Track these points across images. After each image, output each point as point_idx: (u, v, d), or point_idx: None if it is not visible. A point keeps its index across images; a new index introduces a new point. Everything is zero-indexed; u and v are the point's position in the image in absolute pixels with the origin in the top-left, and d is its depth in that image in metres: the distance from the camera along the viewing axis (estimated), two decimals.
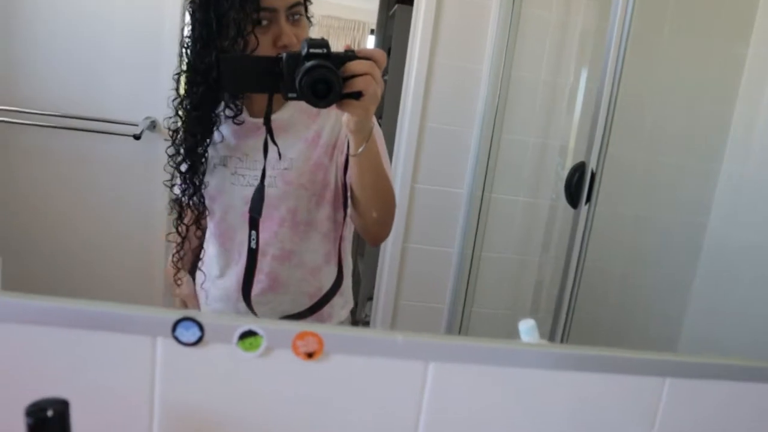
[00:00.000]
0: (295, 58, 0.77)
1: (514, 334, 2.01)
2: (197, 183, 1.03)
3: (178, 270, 1.13)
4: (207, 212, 1.09)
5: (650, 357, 0.66)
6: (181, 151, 1.02)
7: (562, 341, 1.38)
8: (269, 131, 0.92)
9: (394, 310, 1.91)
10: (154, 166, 1.16)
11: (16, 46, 1.69)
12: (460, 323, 1.92)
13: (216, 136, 1.03)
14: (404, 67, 1.79)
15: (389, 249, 1.86)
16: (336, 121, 1.01)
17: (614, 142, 1.28)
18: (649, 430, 0.68)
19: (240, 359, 0.62)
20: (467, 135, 1.81)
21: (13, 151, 1.73)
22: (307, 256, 1.07)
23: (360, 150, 0.85)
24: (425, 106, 1.78)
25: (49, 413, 0.48)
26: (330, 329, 0.62)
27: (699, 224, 1.74)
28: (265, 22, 0.92)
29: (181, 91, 1.02)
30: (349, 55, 0.78)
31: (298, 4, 0.95)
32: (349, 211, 1.01)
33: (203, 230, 1.14)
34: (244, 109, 1.03)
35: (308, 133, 1.02)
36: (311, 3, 1.01)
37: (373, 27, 2.60)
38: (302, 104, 0.78)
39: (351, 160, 0.89)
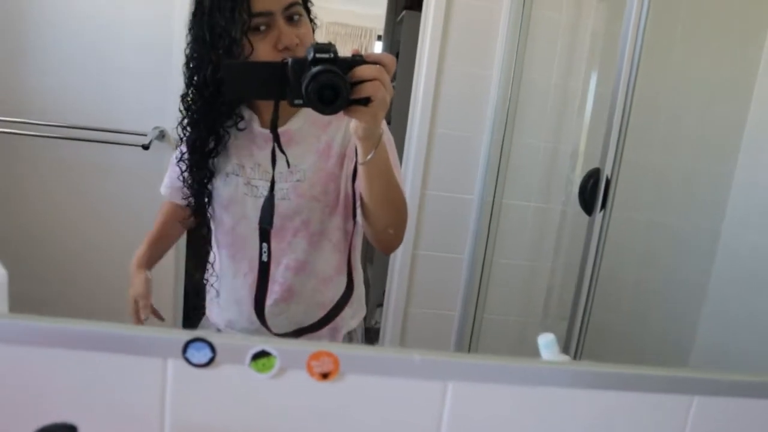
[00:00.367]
0: (301, 64, 0.74)
1: (525, 341, 1.99)
2: (202, 192, 1.03)
3: (141, 267, 1.10)
4: (212, 220, 1.08)
5: (677, 374, 0.64)
6: (186, 162, 1.01)
7: (576, 349, 1.36)
8: (276, 139, 0.90)
9: (404, 318, 1.89)
10: (162, 176, 1.15)
11: (25, 57, 1.69)
12: (471, 330, 1.90)
13: (230, 146, 1.02)
14: (413, 73, 1.78)
15: (399, 256, 1.84)
16: (347, 129, 0.99)
17: (628, 147, 1.26)
18: None
19: (253, 380, 0.60)
20: (477, 140, 1.80)
21: (23, 162, 1.73)
22: (319, 266, 1.06)
23: (369, 157, 0.82)
24: (435, 111, 1.77)
25: None
26: (346, 349, 0.60)
27: (713, 228, 1.71)
28: (263, 28, 0.91)
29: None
30: (357, 59, 0.75)
31: (295, 4, 0.92)
32: (359, 220, 0.99)
33: (188, 228, 1.12)
34: (256, 119, 1.02)
35: (319, 144, 1.01)
36: (312, 4, 0.99)
37: (380, 33, 2.59)
38: (313, 114, 0.75)
39: (360, 168, 0.85)
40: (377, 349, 0.62)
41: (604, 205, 1.30)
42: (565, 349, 1.29)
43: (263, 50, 0.91)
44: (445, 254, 1.86)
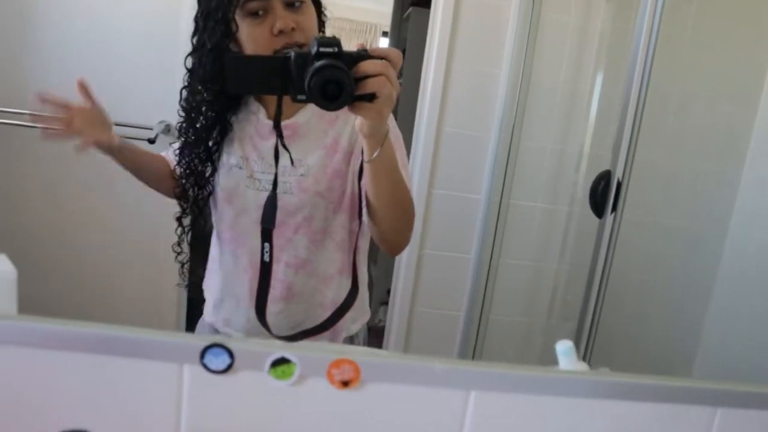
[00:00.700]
0: (304, 58, 0.71)
1: (530, 341, 1.98)
2: (204, 184, 1.02)
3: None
4: (214, 213, 1.06)
5: (701, 385, 0.63)
6: (188, 154, 1.01)
7: (586, 351, 1.36)
8: (279, 135, 0.89)
9: (409, 317, 1.88)
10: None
11: (30, 51, 1.67)
12: (477, 330, 1.89)
13: (234, 137, 1.01)
14: (420, 70, 1.76)
15: (405, 255, 1.83)
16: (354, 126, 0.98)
17: (637, 148, 1.26)
18: None
19: (272, 387, 0.58)
20: (485, 140, 1.79)
21: (26, 157, 1.71)
22: (321, 265, 1.03)
23: (374, 155, 0.80)
24: (442, 110, 1.75)
25: None
26: (367, 356, 0.59)
27: (720, 229, 1.70)
28: (261, 13, 0.90)
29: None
30: (362, 54, 0.73)
31: None
32: (365, 219, 0.96)
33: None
34: (262, 110, 1.01)
35: (326, 139, 0.99)
36: None
37: (386, 29, 2.57)
38: (320, 109, 0.74)
39: (365, 165, 0.83)
40: (399, 357, 0.60)
41: (614, 208, 1.29)
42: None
43: (259, 34, 0.90)
44: (452, 254, 1.84)
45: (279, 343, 0.63)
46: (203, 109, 0.99)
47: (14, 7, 1.65)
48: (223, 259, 1.08)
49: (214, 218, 1.07)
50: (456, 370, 0.59)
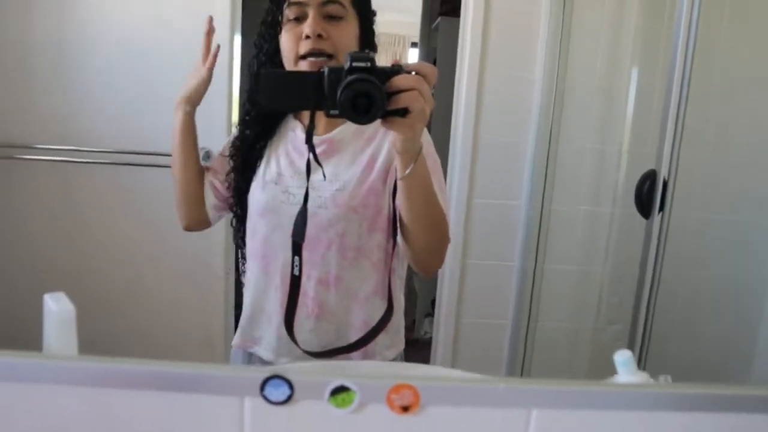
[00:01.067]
0: (338, 73, 0.71)
1: (578, 347, 1.93)
2: (242, 198, 1.05)
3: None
4: (247, 229, 1.06)
5: None
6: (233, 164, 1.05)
7: (640, 358, 1.33)
8: (311, 150, 0.89)
9: (455, 328, 1.87)
10: None
11: (69, 87, 1.71)
12: (525, 339, 1.86)
13: (271, 152, 1.03)
14: (451, 80, 1.76)
15: (448, 265, 1.82)
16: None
17: (682, 146, 1.23)
18: None
19: (332, 416, 0.58)
20: (522, 145, 1.77)
21: (73, 190, 1.75)
22: (354, 284, 1.01)
23: (407, 172, 0.79)
24: (478, 118, 1.75)
25: None
26: (426, 380, 0.58)
27: None
28: (297, 18, 0.93)
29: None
30: (396, 69, 0.72)
31: (334, 2, 0.93)
32: (399, 239, 0.95)
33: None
34: (299, 126, 1.02)
35: (363, 156, 0.99)
36: (373, 14, 0.99)
37: (415, 40, 2.57)
38: (357, 126, 0.74)
39: (398, 182, 0.82)
40: (459, 380, 0.60)
41: (662, 208, 1.26)
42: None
43: (289, 38, 0.93)
44: (495, 262, 1.83)
45: (338, 371, 0.63)
46: (255, 120, 1.03)
47: (49, 40, 1.69)
48: (254, 276, 1.06)
49: (247, 235, 1.07)
50: (517, 389, 0.58)
